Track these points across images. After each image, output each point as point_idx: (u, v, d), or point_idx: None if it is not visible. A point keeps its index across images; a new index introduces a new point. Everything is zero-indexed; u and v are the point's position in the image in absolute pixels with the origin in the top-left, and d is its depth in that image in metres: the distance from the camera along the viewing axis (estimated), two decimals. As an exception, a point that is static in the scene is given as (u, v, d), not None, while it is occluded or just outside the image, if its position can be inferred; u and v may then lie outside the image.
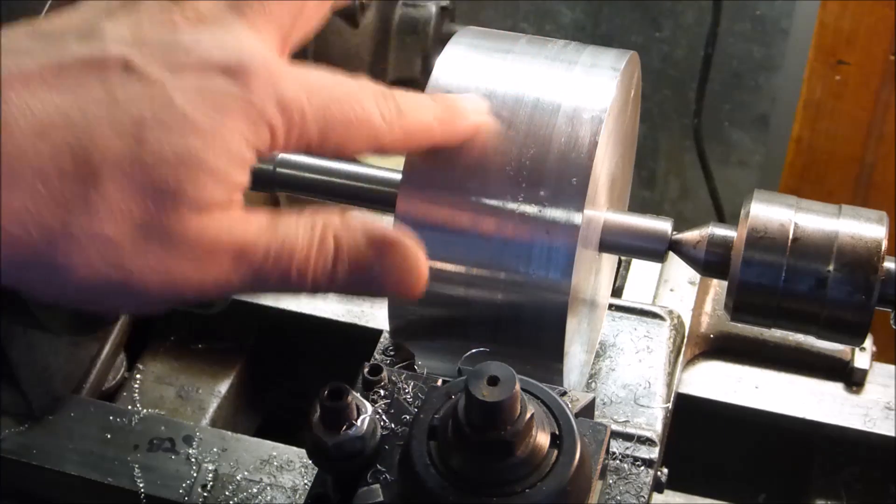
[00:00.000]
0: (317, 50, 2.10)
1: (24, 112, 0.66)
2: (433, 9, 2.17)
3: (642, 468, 0.98)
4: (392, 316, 0.95)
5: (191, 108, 0.69)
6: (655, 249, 0.97)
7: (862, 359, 1.27)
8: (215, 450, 1.19)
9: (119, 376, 1.34)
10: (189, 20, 0.73)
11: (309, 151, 0.76)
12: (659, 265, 1.29)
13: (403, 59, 2.19)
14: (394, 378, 0.88)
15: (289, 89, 0.73)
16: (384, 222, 1.38)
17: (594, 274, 1.00)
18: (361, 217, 0.77)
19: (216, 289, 0.72)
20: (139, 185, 0.67)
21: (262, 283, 0.74)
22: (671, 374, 1.10)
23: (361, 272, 0.76)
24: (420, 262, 0.78)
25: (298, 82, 0.74)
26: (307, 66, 0.76)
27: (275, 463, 1.18)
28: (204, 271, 0.71)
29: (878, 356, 1.28)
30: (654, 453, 0.99)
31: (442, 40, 2.14)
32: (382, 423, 0.85)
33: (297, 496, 1.14)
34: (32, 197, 0.66)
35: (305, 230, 0.75)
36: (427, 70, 0.92)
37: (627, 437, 1.00)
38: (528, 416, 0.77)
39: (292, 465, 1.17)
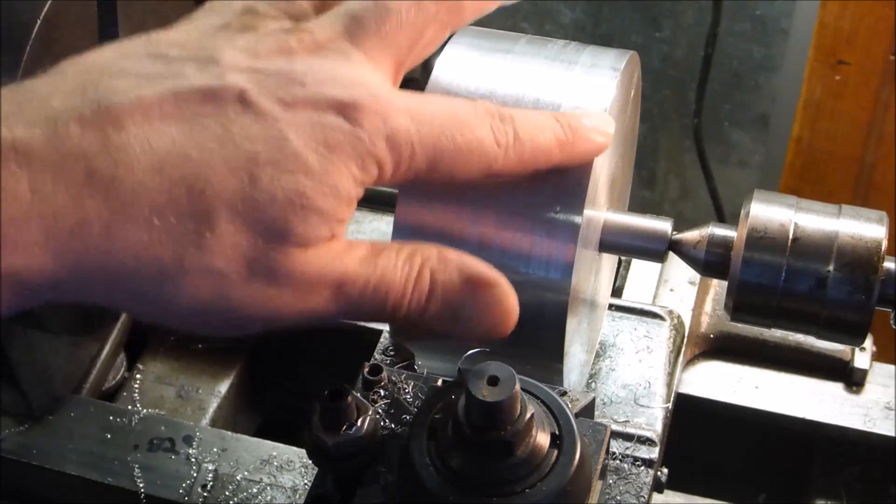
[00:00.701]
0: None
1: (143, 145, 0.67)
2: (433, 9, 2.17)
3: (642, 468, 0.98)
4: (392, 316, 0.95)
5: (303, 148, 0.70)
6: (655, 249, 0.97)
7: (862, 359, 1.27)
8: (215, 450, 1.19)
9: (119, 376, 1.34)
10: (305, 47, 0.74)
11: (417, 181, 0.76)
12: (659, 265, 1.29)
13: (403, 59, 2.19)
14: (394, 378, 0.88)
15: (400, 124, 0.73)
16: (384, 222, 1.38)
17: (594, 274, 1.00)
18: (458, 255, 0.77)
19: (314, 317, 0.73)
20: (250, 223, 0.68)
21: (357, 314, 0.75)
22: (671, 374, 1.10)
23: (453, 311, 0.77)
24: (512, 304, 0.78)
25: (409, 115, 0.74)
26: (419, 94, 0.76)
27: (275, 463, 1.18)
28: (305, 302, 0.72)
29: (878, 356, 1.28)
30: (654, 453, 0.99)
31: (442, 40, 2.14)
32: (382, 423, 0.85)
33: (297, 496, 1.14)
34: (148, 231, 0.67)
35: (403, 265, 0.75)
36: (427, 70, 0.92)
37: (627, 437, 1.00)
38: (528, 416, 0.77)
39: (292, 465, 1.17)
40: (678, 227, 0.97)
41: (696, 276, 1.28)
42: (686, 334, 1.18)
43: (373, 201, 1.03)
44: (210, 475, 1.17)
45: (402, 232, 0.90)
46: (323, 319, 0.74)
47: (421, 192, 0.89)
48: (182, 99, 0.69)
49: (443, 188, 0.89)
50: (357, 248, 0.74)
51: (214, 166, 0.68)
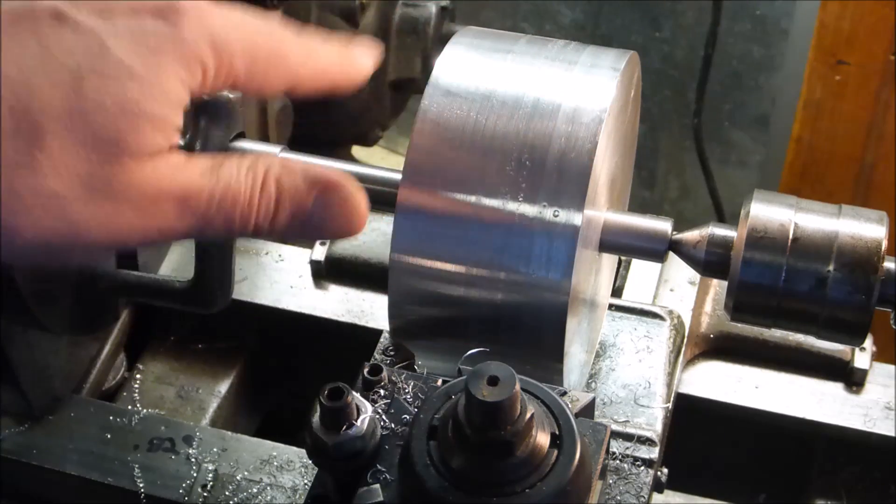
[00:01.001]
0: (317, 50, 2.10)
1: None
2: (433, 9, 2.17)
3: (642, 468, 0.98)
4: (392, 316, 0.95)
5: (126, 55, 0.69)
6: (655, 249, 0.97)
7: (862, 359, 1.27)
8: (215, 450, 1.19)
9: (119, 376, 1.34)
10: None
11: (233, 89, 0.77)
12: (659, 265, 1.29)
13: (403, 59, 2.19)
14: (394, 378, 0.88)
15: (219, 27, 0.74)
16: (384, 222, 1.38)
17: (594, 274, 1.00)
18: (302, 161, 0.78)
19: (160, 235, 0.72)
20: (81, 138, 0.67)
21: (206, 229, 0.74)
22: (671, 374, 1.10)
23: (302, 215, 0.77)
24: (360, 203, 0.80)
25: (227, 20, 0.75)
26: (231, 7, 0.77)
27: (275, 463, 1.18)
28: (148, 219, 0.71)
29: (878, 356, 1.28)
30: (654, 453, 0.99)
31: (442, 40, 2.14)
32: (382, 423, 0.85)
33: (297, 496, 1.14)
34: None
35: (247, 175, 0.75)
36: (427, 70, 0.92)
37: (627, 437, 1.00)
38: (528, 416, 0.77)
39: (292, 465, 1.17)
40: (678, 227, 0.97)
41: (696, 276, 1.28)
42: (686, 334, 1.18)
43: (373, 201, 1.03)
44: (210, 475, 1.16)
45: (403, 232, 0.90)
46: (170, 238, 0.73)
47: (421, 191, 0.89)
48: None
49: (443, 188, 0.89)
50: (197, 160, 0.74)
51: (37, 84, 0.67)
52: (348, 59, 0.85)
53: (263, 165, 0.76)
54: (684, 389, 1.24)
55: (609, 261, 1.09)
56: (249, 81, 0.77)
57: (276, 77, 0.79)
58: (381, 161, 2.88)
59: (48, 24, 0.69)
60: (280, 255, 1.40)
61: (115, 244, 0.71)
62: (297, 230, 0.78)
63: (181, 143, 0.78)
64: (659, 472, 1.01)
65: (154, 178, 0.70)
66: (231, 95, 1.05)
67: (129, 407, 1.27)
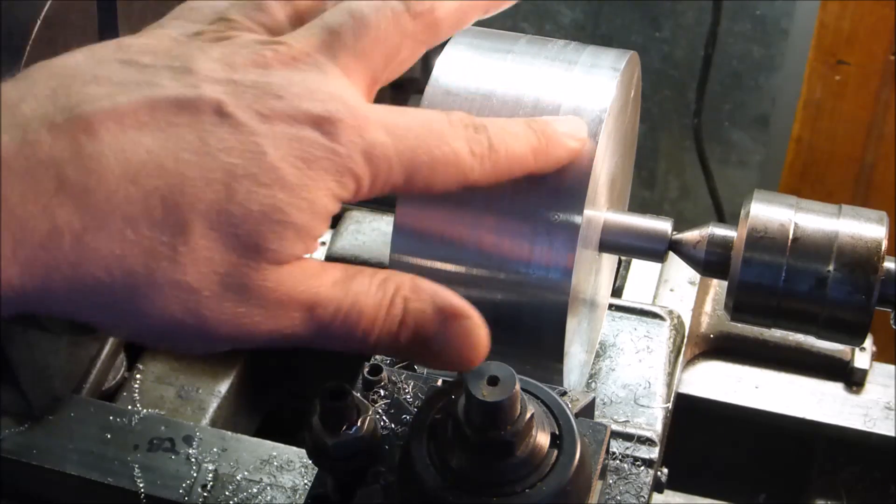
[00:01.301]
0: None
1: (117, 154, 0.65)
2: (433, 9, 2.17)
3: (642, 468, 0.98)
4: (392, 316, 0.95)
5: (280, 161, 0.69)
6: (655, 249, 0.97)
7: (862, 359, 1.27)
8: (215, 450, 1.19)
9: (119, 376, 1.34)
10: (281, 60, 0.73)
11: (394, 192, 0.76)
12: (659, 265, 1.29)
13: (403, 59, 2.19)
14: (394, 378, 0.88)
15: (376, 139, 0.73)
16: (384, 222, 1.38)
17: (594, 274, 1.00)
18: (432, 285, 0.77)
19: (283, 339, 0.72)
20: (225, 237, 0.67)
21: (327, 338, 0.74)
22: (671, 374, 1.10)
23: (425, 340, 0.76)
24: (482, 337, 0.78)
25: (385, 129, 0.74)
26: (394, 107, 0.76)
27: (275, 463, 1.18)
28: (276, 322, 0.71)
29: (878, 356, 1.29)
30: (654, 453, 0.99)
31: (442, 40, 2.14)
32: (382, 423, 0.85)
33: (297, 496, 1.14)
34: (120, 243, 0.65)
35: (378, 291, 0.74)
36: (427, 70, 0.92)
37: (627, 437, 1.00)
38: (528, 416, 0.77)
39: (292, 465, 1.17)
40: (678, 227, 0.97)
41: (696, 276, 1.28)
42: (686, 334, 1.18)
43: (372, 201, 1.03)
44: (210, 475, 1.16)
45: (402, 233, 0.90)
46: (293, 342, 0.73)
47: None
48: (157, 108, 0.68)
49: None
50: (331, 270, 0.74)
51: (190, 177, 0.67)
52: (542, 144, 0.83)
53: (394, 284, 0.75)
54: (684, 389, 1.24)
55: (609, 261, 1.09)
56: (410, 186, 0.75)
57: (443, 180, 0.77)
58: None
59: (209, 118, 0.68)
60: (280, 255, 1.40)
61: (239, 342, 0.71)
62: (416, 353, 0.77)
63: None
64: (659, 472, 1.01)
65: (288, 284, 0.71)
66: None
67: (129, 407, 1.27)
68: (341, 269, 0.74)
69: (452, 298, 0.77)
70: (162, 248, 0.66)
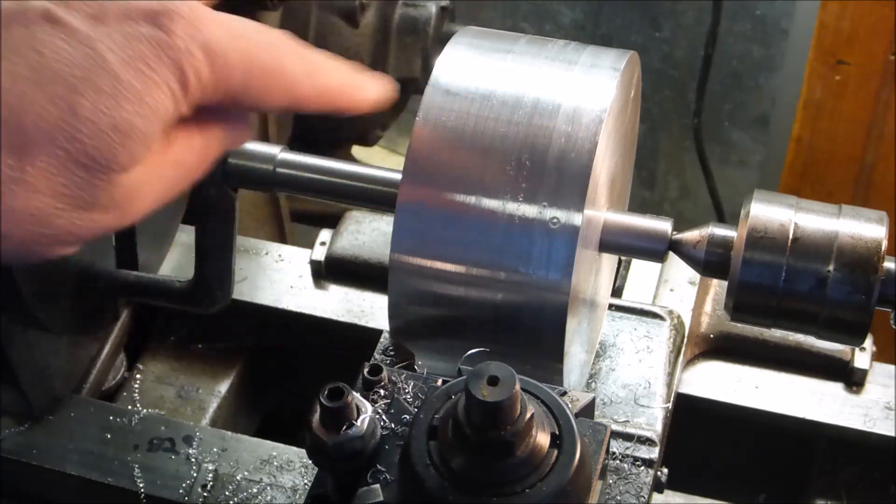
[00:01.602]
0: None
1: None
2: (433, 9, 2.17)
3: (642, 468, 0.98)
4: (392, 316, 0.95)
5: (121, 67, 0.68)
6: (655, 249, 0.97)
7: (862, 359, 1.27)
8: (215, 450, 1.19)
9: (119, 376, 1.34)
10: None
11: (230, 101, 0.75)
12: (659, 265, 1.29)
13: (403, 59, 2.19)
14: (394, 378, 0.88)
15: (213, 33, 0.72)
16: (384, 222, 1.38)
17: (594, 274, 1.00)
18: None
19: (134, 221, 0.74)
20: (71, 155, 0.67)
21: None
22: (671, 374, 1.10)
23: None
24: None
25: (222, 26, 0.74)
26: (230, 15, 0.76)
27: (275, 463, 1.18)
28: (124, 217, 0.72)
29: (878, 356, 1.28)
30: (654, 453, 0.99)
31: (442, 40, 2.14)
32: (382, 423, 0.85)
33: (297, 496, 1.14)
34: None
35: (199, 143, 0.77)
36: (427, 70, 0.92)
37: (627, 437, 1.00)
38: (528, 416, 0.77)
39: (292, 465, 1.17)
40: (678, 227, 0.97)
41: (696, 276, 1.28)
42: (686, 334, 1.18)
43: (373, 201, 1.03)
44: (210, 475, 1.16)
45: (403, 232, 0.90)
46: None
47: (421, 191, 0.89)
48: None
49: (443, 188, 0.89)
50: (161, 155, 0.74)
51: (30, 95, 0.66)
52: (355, 83, 0.84)
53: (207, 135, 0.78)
54: (684, 389, 1.24)
55: (609, 261, 1.09)
56: (246, 94, 0.75)
57: (276, 92, 0.78)
58: (381, 161, 2.88)
59: (42, 30, 0.67)
60: (280, 255, 1.40)
61: (92, 237, 0.72)
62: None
63: None
64: (659, 472, 1.01)
65: (134, 186, 0.72)
66: None
67: (129, 407, 1.27)
68: (161, 145, 0.73)
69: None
70: (10, 172, 0.66)
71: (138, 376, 1.34)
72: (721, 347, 1.29)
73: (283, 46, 0.78)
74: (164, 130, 0.72)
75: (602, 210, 0.96)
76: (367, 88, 0.85)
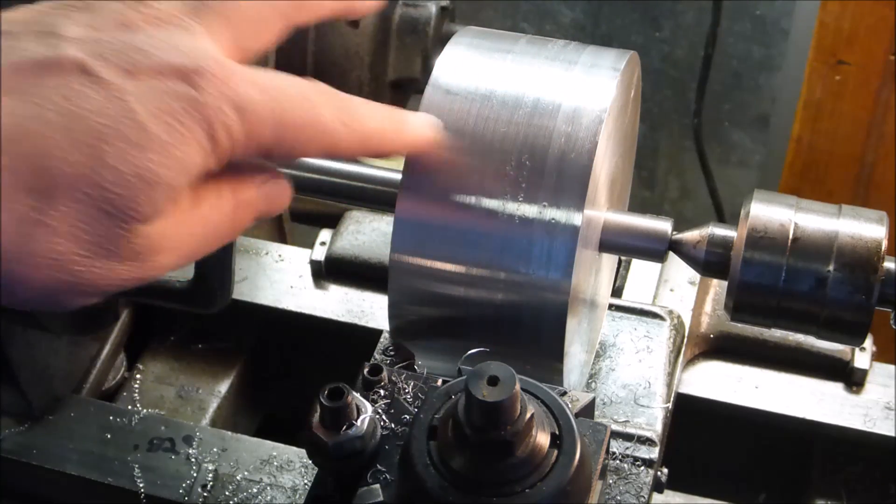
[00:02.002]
0: (317, 50, 2.10)
1: None
2: (433, 9, 2.17)
3: (642, 468, 0.98)
4: (392, 316, 0.95)
5: (150, 120, 0.69)
6: (655, 249, 0.97)
7: (862, 359, 1.27)
8: (215, 450, 1.19)
9: (119, 376, 1.34)
10: (146, 20, 0.73)
11: (265, 155, 0.76)
12: (659, 265, 1.29)
13: (403, 58, 2.19)
14: (394, 378, 0.88)
15: (242, 89, 0.73)
16: (384, 222, 1.38)
17: (594, 274, 1.00)
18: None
19: (157, 275, 0.74)
20: (95, 202, 0.68)
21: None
22: (671, 374, 1.10)
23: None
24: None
25: (251, 82, 0.74)
26: (261, 68, 0.76)
27: (275, 463, 1.18)
28: (146, 270, 0.72)
29: (878, 356, 1.29)
30: (654, 453, 0.99)
31: (442, 40, 2.14)
32: (382, 423, 0.85)
33: (297, 496, 1.14)
34: None
35: (227, 207, 0.77)
36: (427, 70, 0.92)
37: (627, 437, 1.00)
38: (528, 416, 0.77)
39: (292, 465, 1.17)
40: (678, 227, 0.97)
41: (696, 276, 1.28)
42: (686, 334, 1.18)
43: (373, 201, 1.03)
44: (210, 475, 1.17)
45: (403, 232, 0.90)
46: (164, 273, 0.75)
47: (421, 191, 0.89)
48: (21, 72, 0.67)
49: (443, 188, 0.89)
50: (188, 212, 0.74)
51: (58, 141, 0.66)
52: (394, 126, 0.83)
53: (232, 190, 0.78)
54: (684, 389, 1.24)
55: (609, 261, 1.09)
56: (279, 147, 0.75)
57: (311, 143, 0.77)
58: (382, 161, 2.88)
59: (75, 80, 0.68)
60: (280, 256, 1.40)
61: (113, 289, 0.72)
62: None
63: None
64: (659, 472, 1.01)
65: (157, 238, 0.72)
66: None
67: (129, 407, 1.27)
68: (189, 201, 0.74)
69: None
70: (33, 214, 0.66)
71: (138, 376, 1.34)
72: (721, 347, 1.29)
73: (316, 96, 0.77)
74: (192, 185, 0.72)
75: (602, 210, 0.96)
76: (407, 130, 0.85)
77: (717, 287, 1.30)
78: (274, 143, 0.75)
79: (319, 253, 1.36)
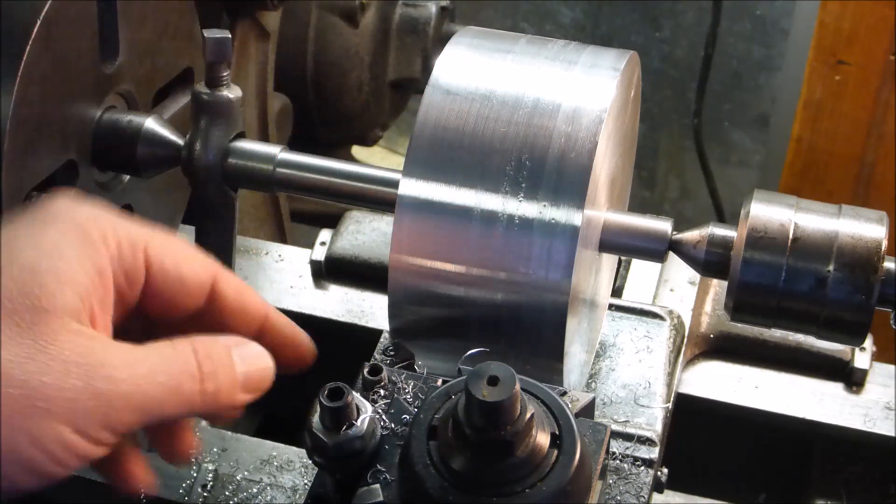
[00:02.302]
0: (316, 50, 2.10)
1: None
2: (433, 9, 2.18)
3: (642, 468, 0.97)
4: (392, 316, 0.95)
5: None
6: (655, 249, 0.97)
7: (862, 359, 1.27)
8: (215, 450, 1.19)
9: (119, 376, 1.34)
10: None
11: None
12: (659, 265, 1.29)
13: (403, 58, 2.19)
14: (394, 378, 0.88)
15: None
16: (384, 222, 1.37)
17: (594, 274, 1.00)
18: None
19: None
20: None
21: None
22: (671, 374, 1.10)
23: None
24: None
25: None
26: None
27: (275, 463, 1.18)
28: None
29: (878, 356, 1.28)
30: (654, 453, 0.99)
31: (442, 40, 2.14)
32: (382, 423, 0.85)
33: (297, 496, 1.14)
34: None
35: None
36: (427, 70, 0.92)
37: (627, 437, 1.00)
38: (528, 416, 0.77)
39: (292, 465, 1.17)
40: (678, 227, 0.97)
41: (696, 276, 1.28)
42: (686, 334, 1.18)
43: (373, 201, 1.03)
44: (210, 475, 1.16)
45: (403, 232, 0.90)
46: None
47: (421, 192, 0.89)
48: None
49: (443, 188, 0.89)
50: None
51: None
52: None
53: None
54: (684, 389, 1.24)
55: (609, 261, 1.09)
56: None
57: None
58: (381, 161, 2.88)
59: None
60: (280, 255, 1.40)
61: None
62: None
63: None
64: (659, 472, 1.01)
65: None
66: (231, 95, 1.05)
67: (129, 407, 1.27)
68: None
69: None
70: None
71: (138, 376, 1.34)
72: (721, 347, 1.29)
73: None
74: None
75: (602, 210, 0.96)
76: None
77: (717, 287, 1.30)
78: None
79: (319, 253, 1.36)
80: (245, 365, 0.83)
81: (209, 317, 0.86)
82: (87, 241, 0.77)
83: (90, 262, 0.77)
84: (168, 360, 0.78)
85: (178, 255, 0.83)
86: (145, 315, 0.84)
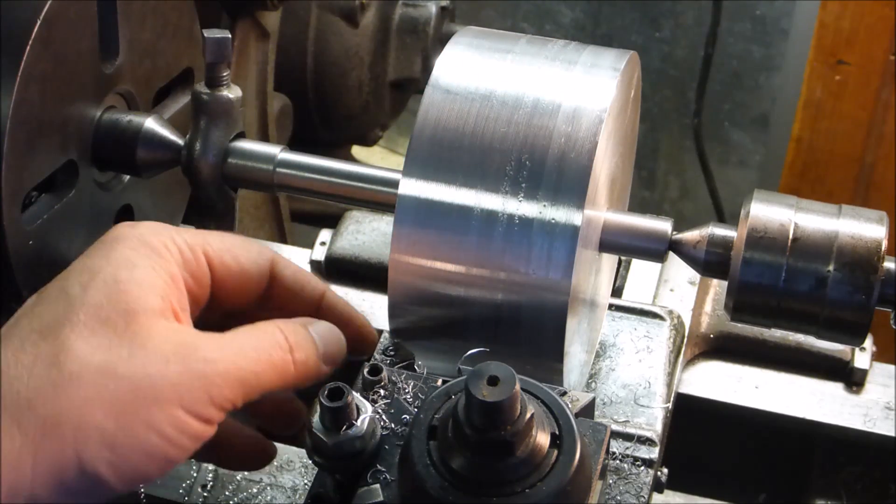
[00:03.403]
0: (317, 50, 2.10)
1: None
2: (433, 9, 2.18)
3: (642, 468, 0.97)
4: (392, 316, 0.95)
5: None
6: (655, 249, 0.97)
7: (862, 359, 1.27)
8: (215, 450, 1.19)
9: (119, 376, 1.34)
10: None
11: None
12: (659, 265, 1.29)
13: (403, 58, 2.19)
14: (394, 378, 0.88)
15: None
16: (384, 222, 1.37)
17: (594, 274, 1.00)
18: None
19: None
20: None
21: None
22: (671, 374, 1.10)
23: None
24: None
25: None
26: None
27: (275, 463, 1.18)
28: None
29: (878, 356, 1.28)
30: (654, 453, 0.99)
31: (442, 40, 2.15)
32: (382, 423, 0.85)
33: (297, 496, 1.14)
34: None
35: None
36: (427, 70, 0.92)
37: (627, 437, 1.00)
38: (528, 416, 0.77)
39: (292, 465, 1.17)
40: (678, 227, 0.97)
41: (696, 276, 1.28)
42: (686, 334, 1.18)
43: (373, 201, 1.03)
44: (210, 475, 1.16)
45: (403, 232, 0.90)
46: None
47: (421, 192, 0.89)
48: None
49: (443, 188, 0.89)
50: None
51: None
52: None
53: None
54: (684, 389, 1.24)
55: (609, 261, 1.09)
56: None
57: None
58: (381, 161, 2.88)
59: None
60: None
61: None
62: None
63: None
64: (659, 472, 1.01)
65: None
66: (231, 95, 1.05)
67: (129, 407, 1.27)
68: None
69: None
70: None
71: (138, 376, 1.34)
72: (721, 347, 1.29)
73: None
74: None
75: (602, 210, 0.96)
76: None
77: (717, 287, 1.30)
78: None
79: (319, 253, 1.36)
80: (321, 338, 0.88)
81: (272, 301, 0.92)
82: (153, 251, 0.85)
83: (161, 269, 0.84)
84: (255, 337, 0.84)
85: (234, 248, 0.90)
86: (220, 310, 0.90)
